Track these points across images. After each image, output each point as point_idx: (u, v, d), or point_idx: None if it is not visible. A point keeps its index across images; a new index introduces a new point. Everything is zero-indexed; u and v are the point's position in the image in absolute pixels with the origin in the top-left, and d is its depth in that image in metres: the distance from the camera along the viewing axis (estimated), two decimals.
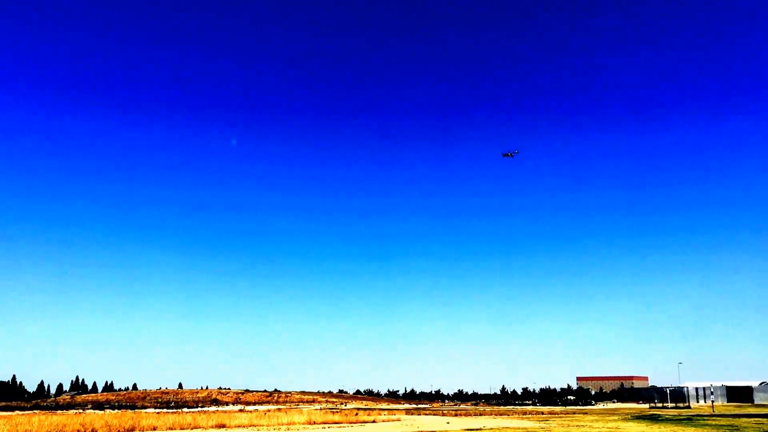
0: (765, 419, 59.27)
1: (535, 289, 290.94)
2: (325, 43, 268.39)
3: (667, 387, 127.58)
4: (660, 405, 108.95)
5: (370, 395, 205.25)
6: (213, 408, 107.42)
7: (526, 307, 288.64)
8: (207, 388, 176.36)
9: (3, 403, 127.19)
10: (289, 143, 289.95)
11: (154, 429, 49.44)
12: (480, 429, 48.16)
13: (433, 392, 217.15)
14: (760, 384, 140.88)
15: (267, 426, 52.37)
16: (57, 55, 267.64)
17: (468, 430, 47.56)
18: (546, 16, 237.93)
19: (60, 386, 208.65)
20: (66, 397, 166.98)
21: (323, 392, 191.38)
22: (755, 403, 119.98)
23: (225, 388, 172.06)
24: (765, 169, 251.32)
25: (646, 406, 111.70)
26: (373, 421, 61.34)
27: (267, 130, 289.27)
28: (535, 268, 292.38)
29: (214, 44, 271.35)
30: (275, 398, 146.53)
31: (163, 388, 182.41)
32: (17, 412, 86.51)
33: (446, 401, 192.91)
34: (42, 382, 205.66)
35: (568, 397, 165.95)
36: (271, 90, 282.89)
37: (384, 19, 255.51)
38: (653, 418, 62.39)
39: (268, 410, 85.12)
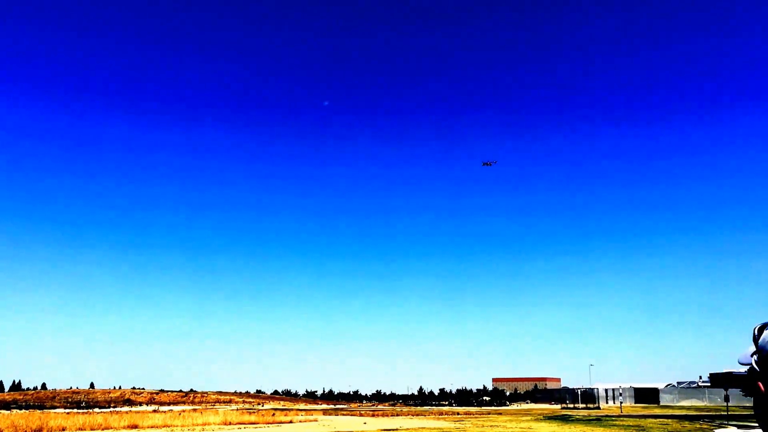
0: (669, 419, 61.88)
1: (453, 291, 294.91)
2: (326, 42, 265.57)
3: (579, 388, 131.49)
4: (571, 405, 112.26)
5: (288, 395, 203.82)
6: (126, 408, 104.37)
7: (445, 309, 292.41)
8: (120, 388, 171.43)
9: None
10: (285, 141, 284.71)
11: (63, 429, 47.76)
12: (396, 429, 48.45)
13: (352, 393, 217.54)
14: (666, 386, 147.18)
15: (181, 426, 51.26)
16: (57, 54, 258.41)
17: (385, 430, 47.77)
18: (546, 15, 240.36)
19: None
20: None
21: (240, 392, 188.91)
22: (661, 404, 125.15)
23: (139, 388, 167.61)
24: (691, 170, 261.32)
25: (559, 406, 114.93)
26: (290, 422, 60.90)
27: (266, 128, 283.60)
28: (453, 271, 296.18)
29: (214, 43, 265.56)
30: (191, 398, 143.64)
31: (74, 387, 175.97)
32: None
33: (364, 402, 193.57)
34: None
35: (484, 397, 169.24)
36: (271, 88, 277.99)
37: (386, 17, 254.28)
38: (564, 419, 64.22)
39: (183, 410, 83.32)
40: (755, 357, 2.17)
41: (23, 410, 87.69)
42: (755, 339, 2.19)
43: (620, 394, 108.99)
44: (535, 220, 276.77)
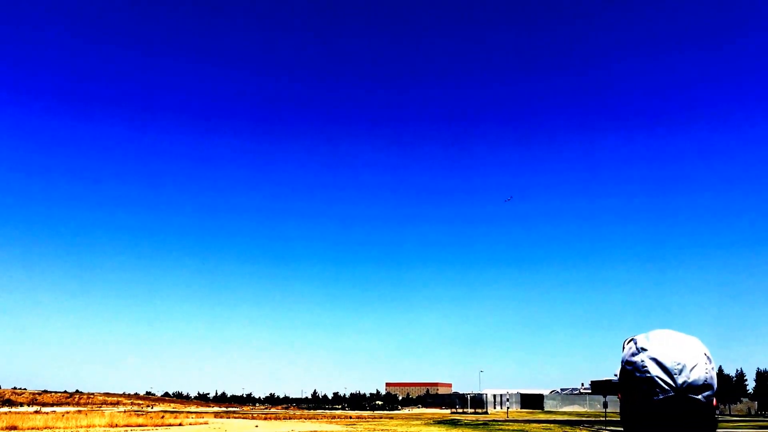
0: (552, 424, 64.77)
1: (348, 296, 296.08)
2: (334, 46, 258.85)
3: (468, 393, 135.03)
4: (461, 410, 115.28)
5: (180, 397, 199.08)
6: (5, 409, 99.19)
7: (340, 314, 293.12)
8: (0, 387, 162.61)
9: None
10: (288, 145, 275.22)
11: None
12: None
13: (245, 395, 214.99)
14: (550, 392, 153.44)
15: (64, 428, 49.53)
16: (60, 58, 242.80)
17: None
18: (554, 21, 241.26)
19: None
20: None
21: (129, 394, 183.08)
22: (545, 409, 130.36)
23: (20, 389, 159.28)
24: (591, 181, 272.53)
25: (449, 411, 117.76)
26: (180, 424, 59.85)
27: (273, 133, 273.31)
28: (348, 277, 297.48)
29: (225, 49, 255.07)
30: (76, 399, 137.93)
31: None
32: None
33: (257, 404, 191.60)
34: None
35: (377, 402, 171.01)
36: (282, 93, 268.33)
37: (395, 21, 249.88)
38: (453, 423, 66.10)
39: (67, 412, 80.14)
40: (620, 368, 2.42)
41: None
42: (623, 351, 2.44)
43: (507, 400, 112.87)
44: (424, 228, 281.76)
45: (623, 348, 2.48)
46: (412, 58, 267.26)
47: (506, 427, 58.18)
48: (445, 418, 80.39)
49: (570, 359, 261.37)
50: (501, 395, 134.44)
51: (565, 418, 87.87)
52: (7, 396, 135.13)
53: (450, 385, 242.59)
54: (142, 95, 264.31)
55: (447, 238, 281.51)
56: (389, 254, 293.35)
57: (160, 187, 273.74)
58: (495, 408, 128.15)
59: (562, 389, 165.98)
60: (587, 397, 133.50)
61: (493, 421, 73.94)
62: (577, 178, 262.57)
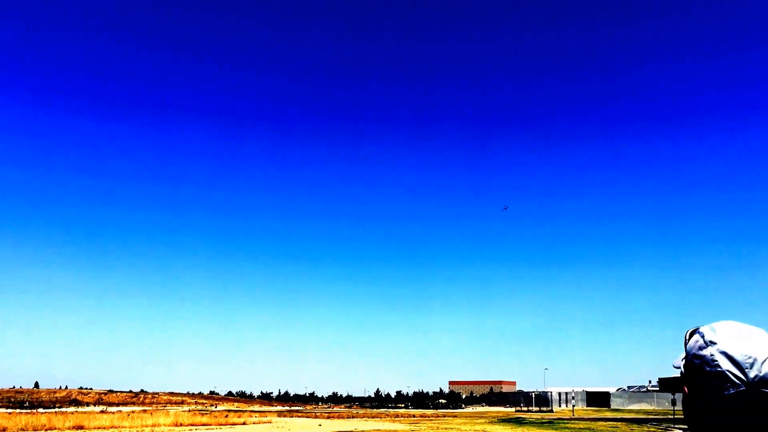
0: (618, 422, 62.61)
1: (411, 294, 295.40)
2: (352, 46, 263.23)
3: (533, 391, 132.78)
4: (525, 409, 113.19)
5: (243, 397, 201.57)
6: (72, 409, 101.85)
7: (403, 313, 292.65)
8: (66, 387, 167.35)
9: None
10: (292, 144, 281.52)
11: (4, 430, 46.21)
12: (352, 431, 48.06)
13: (308, 394, 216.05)
14: (617, 390, 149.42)
15: (129, 427, 50.07)
16: (57, 55, 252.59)
17: None
18: (563, 22, 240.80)
19: None
20: None
21: (193, 393, 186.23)
22: (612, 407, 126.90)
23: (86, 389, 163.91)
24: (635, 179, 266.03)
25: (513, 409, 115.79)
26: (243, 423, 60.02)
27: (274, 132, 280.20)
28: (412, 275, 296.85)
29: (230, 45, 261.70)
30: (141, 399, 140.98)
31: (17, 387, 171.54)
32: None
33: (320, 403, 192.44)
34: None
35: (440, 400, 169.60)
36: (300, 92, 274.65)
37: (407, 21, 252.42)
38: (518, 421, 64.54)
39: (133, 411, 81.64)
40: (683, 361, 2.33)
41: None
42: (685, 344, 2.35)
43: (573, 398, 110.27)
44: (494, 227, 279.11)
45: (686, 340, 2.37)
46: (432, 58, 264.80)
47: (572, 425, 56.41)
48: (509, 416, 78.77)
49: (637, 356, 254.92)
50: (566, 393, 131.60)
51: (632, 416, 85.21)
52: (73, 396, 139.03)
53: (514, 383, 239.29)
54: (151, 93, 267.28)
55: (510, 236, 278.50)
56: (454, 252, 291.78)
57: (216, 189, 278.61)
58: (560, 406, 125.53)
59: (629, 387, 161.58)
60: (655, 394, 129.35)
61: (559, 419, 72.06)
62: (636, 175, 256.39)
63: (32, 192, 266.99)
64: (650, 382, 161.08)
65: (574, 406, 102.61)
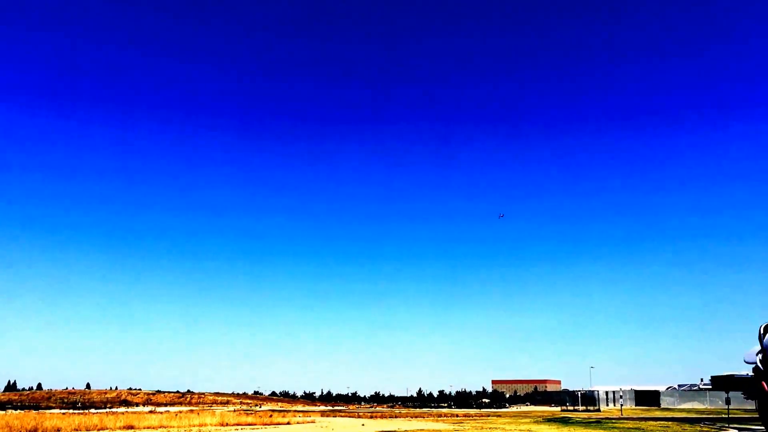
0: (669, 422, 61.23)
1: (453, 293, 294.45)
2: (324, 47, 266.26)
3: (579, 390, 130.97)
4: (571, 408, 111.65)
5: (286, 397, 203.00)
6: (122, 409, 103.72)
7: (445, 311, 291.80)
8: (116, 388, 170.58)
9: None
10: (279, 147, 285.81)
11: (58, 430, 47.06)
12: (395, 431, 47.87)
13: (350, 394, 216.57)
14: (667, 389, 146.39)
15: (177, 427, 50.67)
16: (53, 56, 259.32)
17: None
18: (548, 20, 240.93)
19: None
20: None
21: (238, 393, 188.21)
22: (661, 406, 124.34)
23: (135, 389, 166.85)
24: (689, 178, 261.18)
25: (558, 408, 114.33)
26: (288, 423, 60.28)
27: (258, 131, 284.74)
28: (453, 273, 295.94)
29: (211, 47, 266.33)
30: (188, 399, 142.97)
31: (70, 388, 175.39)
32: None
33: (363, 403, 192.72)
34: None
35: (483, 400, 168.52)
36: (266, 91, 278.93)
37: (386, 22, 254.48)
38: (564, 421, 63.60)
39: (180, 411, 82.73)
40: (760, 356, 2.06)
41: (18, 410, 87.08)
42: (761, 338, 2.10)
43: (620, 397, 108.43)
44: (535, 223, 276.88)
45: (761, 334, 2.16)
46: (398, 58, 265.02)
47: (621, 425, 55.35)
48: (555, 416, 77.73)
49: (687, 354, 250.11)
50: (614, 392, 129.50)
51: (684, 415, 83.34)
52: (123, 396, 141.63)
53: (559, 382, 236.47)
54: (128, 93, 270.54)
55: (553, 233, 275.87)
56: (494, 250, 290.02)
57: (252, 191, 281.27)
58: (607, 405, 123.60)
59: (679, 385, 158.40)
60: (707, 393, 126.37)
61: (607, 418, 70.85)
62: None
63: (71, 196, 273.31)
64: (702, 380, 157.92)
65: (622, 405, 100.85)
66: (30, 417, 57.69)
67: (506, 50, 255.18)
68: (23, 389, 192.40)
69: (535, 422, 61.10)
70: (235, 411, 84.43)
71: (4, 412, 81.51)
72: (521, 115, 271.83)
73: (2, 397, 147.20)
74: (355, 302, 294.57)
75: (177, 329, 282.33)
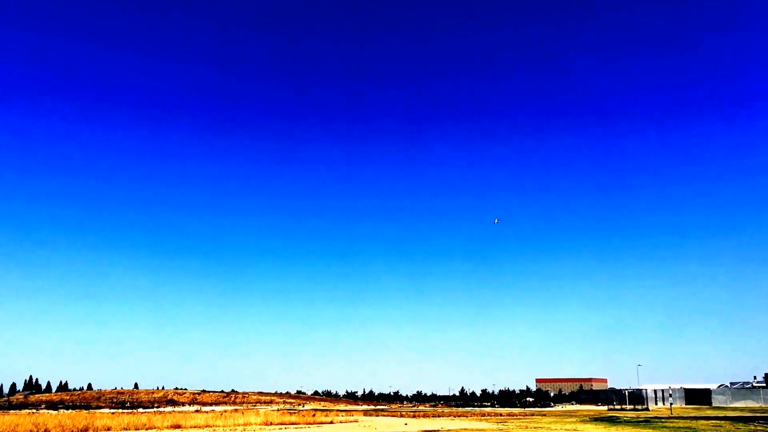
0: (722, 421, 59.58)
1: (496, 290, 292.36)
2: (316, 46, 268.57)
3: (626, 389, 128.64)
4: (618, 407, 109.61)
5: (329, 396, 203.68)
6: (169, 408, 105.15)
7: (486, 309, 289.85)
8: (163, 388, 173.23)
9: None
10: (259, 143, 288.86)
11: (108, 429, 47.90)
12: (438, 430, 47.45)
13: (392, 393, 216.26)
14: (719, 387, 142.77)
15: (223, 427, 51.06)
16: (52, 57, 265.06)
17: (426, 431, 46.79)
18: (539, 18, 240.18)
19: (13, 386, 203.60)
20: (19, 397, 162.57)
21: (281, 393, 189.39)
22: (713, 405, 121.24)
23: (181, 389, 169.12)
24: (728, 173, 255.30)
25: (605, 408, 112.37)
26: (331, 422, 60.29)
27: (237, 129, 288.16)
28: (495, 271, 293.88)
29: (207, 45, 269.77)
30: (232, 399, 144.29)
31: (119, 388, 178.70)
32: None
33: (405, 402, 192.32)
34: None
35: (527, 398, 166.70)
36: (248, 92, 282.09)
37: (378, 22, 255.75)
38: (611, 420, 62.36)
39: (225, 411, 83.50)
40: None
41: (70, 410, 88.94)
42: None
43: (670, 395, 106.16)
44: (576, 219, 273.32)
45: None
46: (371, 56, 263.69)
47: (671, 425, 54.01)
48: (601, 415, 76.35)
49: (740, 351, 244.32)
50: (662, 390, 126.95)
51: (737, 414, 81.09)
52: (170, 396, 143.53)
53: (605, 381, 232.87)
54: (132, 93, 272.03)
55: (597, 228, 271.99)
56: (537, 246, 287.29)
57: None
58: (656, 404, 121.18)
59: (731, 383, 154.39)
60: (761, 391, 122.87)
61: (656, 418, 69.29)
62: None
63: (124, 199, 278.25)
64: (755, 377, 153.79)
65: (671, 404, 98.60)
66: (81, 416, 58.81)
67: (490, 47, 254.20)
68: (74, 389, 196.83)
69: (581, 421, 60.03)
70: (278, 410, 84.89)
71: (56, 411, 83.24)
72: (509, 112, 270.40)
73: (54, 397, 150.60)
74: (398, 301, 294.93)
75: (222, 330, 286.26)
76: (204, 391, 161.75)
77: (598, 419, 65.06)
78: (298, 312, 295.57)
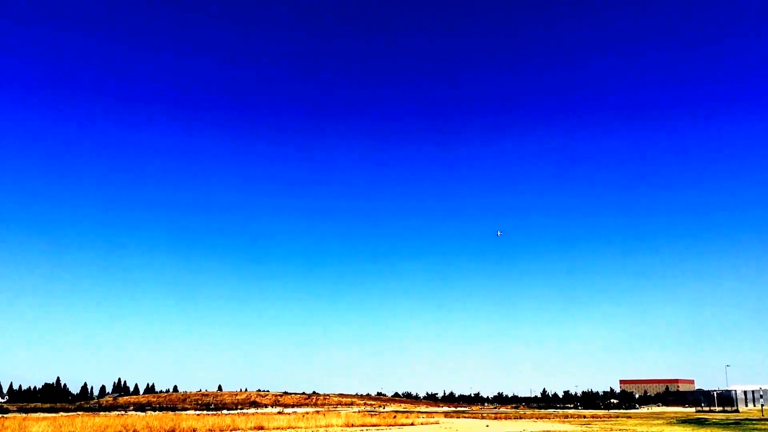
0: None
1: (578, 290, 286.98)
2: (321, 43, 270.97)
3: (714, 390, 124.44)
4: (707, 409, 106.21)
5: (409, 398, 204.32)
6: (252, 410, 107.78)
7: (568, 309, 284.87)
8: (246, 390, 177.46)
9: (48, 405, 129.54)
10: (281, 143, 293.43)
11: (194, 430, 49.48)
12: None
13: (473, 395, 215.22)
14: None
15: (305, 428, 52.13)
16: (53, 54, 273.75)
17: None
18: (544, 18, 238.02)
19: (103, 388, 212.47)
20: (109, 399, 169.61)
21: (361, 394, 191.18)
22: None
23: (264, 391, 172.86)
24: None
25: (692, 409, 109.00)
26: (411, 424, 60.69)
27: (260, 130, 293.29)
28: (579, 270, 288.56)
29: (210, 44, 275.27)
30: (313, 400, 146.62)
31: (203, 390, 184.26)
32: (61, 413, 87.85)
33: (485, 404, 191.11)
34: (85, 384, 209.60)
35: (611, 400, 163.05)
36: (265, 90, 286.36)
37: (384, 19, 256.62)
38: (699, 422, 60.60)
39: (307, 412, 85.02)
40: None
41: (157, 412, 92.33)
42: None
43: (761, 396, 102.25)
44: (662, 216, 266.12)
45: None
46: (396, 54, 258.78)
47: (762, 427, 52.12)
48: (689, 417, 74.19)
49: None
50: (753, 391, 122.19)
51: None
52: (252, 398, 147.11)
53: (692, 382, 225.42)
54: (130, 91, 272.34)
55: (685, 228, 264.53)
56: (621, 245, 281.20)
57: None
58: (746, 405, 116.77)
59: None
60: None
61: (746, 420, 66.87)
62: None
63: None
64: None
65: (763, 405, 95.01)
66: (168, 418, 61.03)
67: (505, 47, 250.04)
68: (161, 391, 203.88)
69: (668, 423, 58.58)
70: (359, 412, 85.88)
71: (144, 413, 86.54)
72: (522, 111, 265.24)
73: (142, 399, 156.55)
74: (480, 302, 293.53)
75: (304, 332, 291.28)
76: (286, 393, 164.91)
77: (685, 421, 63.32)
78: (379, 314, 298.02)
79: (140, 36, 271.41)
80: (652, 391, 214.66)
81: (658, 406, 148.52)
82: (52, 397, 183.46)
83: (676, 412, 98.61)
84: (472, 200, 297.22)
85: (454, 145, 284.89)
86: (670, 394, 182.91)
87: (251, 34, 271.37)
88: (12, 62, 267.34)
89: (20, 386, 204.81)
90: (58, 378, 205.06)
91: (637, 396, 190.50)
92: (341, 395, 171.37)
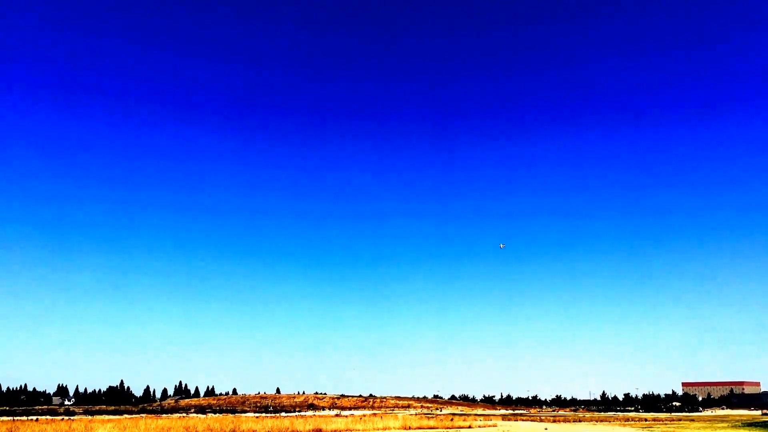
0: None
1: (640, 291, 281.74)
2: (322, 45, 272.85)
3: None
4: None
5: (466, 400, 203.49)
6: (310, 412, 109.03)
7: (629, 310, 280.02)
8: (304, 393, 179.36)
9: (112, 407, 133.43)
10: (284, 145, 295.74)
11: None
12: None
13: (530, 398, 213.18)
14: None
15: (362, 430, 52.68)
16: (54, 55, 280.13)
17: None
18: (545, 20, 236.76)
19: (165, 391, 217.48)
20: (170, 402, 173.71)
21: (418, 397, 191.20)
22: None
23: (321, 393, 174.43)
24: None
25: (758, 412, 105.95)
26: (469, 427, 60.65)
27: (262, 132, 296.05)
28: (643, 271, 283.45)
29: (213, 45, 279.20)
30: (370, 403, 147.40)
31: (262, 392, 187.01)
32: (125, 415, 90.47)
33: (544, 407, 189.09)
34: (148, 387, 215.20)
35: (673, 403, 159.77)
36: (266, 91, 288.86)
37: (381, 20, 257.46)
38: (766, 426, 58.98)
39: (364, 415, 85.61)
40: None
41: (217, 414, 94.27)
42: None
43: None
44: (724, 217, 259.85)
45: None
46: (398, 55, 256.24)
47: None
48: (755, 420, 72.22)
49: None
50: None
51: None
52: (310, 401, 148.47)
53: (758, 384, 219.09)
54: (131, 92, 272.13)
55: (753, 224, 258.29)
56: (685, 244, 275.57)
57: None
58: None
59: None
60: None
61: None
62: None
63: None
64: None
65: None
66: (228, 420, 62.40)
67: (507, 49, 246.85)
68: (220, 394, 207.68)
69: (732, 427, 57.22)
70: (416, 414, 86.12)
71: (204, 415, 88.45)
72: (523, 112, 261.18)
73: (203, 401, 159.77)
74: (538, 302, 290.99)
75: (361, 335, 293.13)
76: (343, 396, 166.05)
77: (751, 425, 61.70)
78: (435, 317, 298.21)
79: (140, 36, 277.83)
80: (716, 393, 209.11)
81: (722, 409, 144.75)
82: (116, 399, 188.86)
83: (741, 415, 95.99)
84: (479, 202, 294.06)
85: (456, 146, 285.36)
86: (735, 397, 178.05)
87: (251, 34, 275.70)
88: (13, 63, 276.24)
89: (86, 389, 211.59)
90: (121, 381, 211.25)
91: (700, 398, 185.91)
92: (398, 398, 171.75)
